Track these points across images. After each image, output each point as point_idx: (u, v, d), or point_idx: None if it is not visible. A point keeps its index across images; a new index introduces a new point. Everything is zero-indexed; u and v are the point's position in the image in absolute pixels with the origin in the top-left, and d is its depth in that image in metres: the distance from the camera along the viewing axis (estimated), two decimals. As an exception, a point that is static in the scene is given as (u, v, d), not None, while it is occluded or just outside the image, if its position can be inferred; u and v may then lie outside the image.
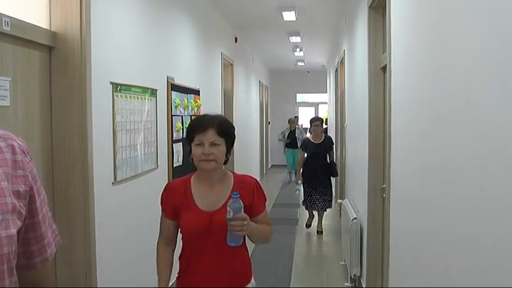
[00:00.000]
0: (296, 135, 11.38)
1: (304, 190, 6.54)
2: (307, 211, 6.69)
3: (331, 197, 6.53)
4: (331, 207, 6.59)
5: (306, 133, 11.61)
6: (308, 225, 6.60)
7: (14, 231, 0.84)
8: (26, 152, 0.94)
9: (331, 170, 6.41)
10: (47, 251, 0.98)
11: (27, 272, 0.96)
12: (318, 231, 6.42)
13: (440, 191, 1.73)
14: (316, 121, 6.43)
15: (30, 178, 0.91)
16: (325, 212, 6.52)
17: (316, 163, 6.33)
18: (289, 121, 11.95)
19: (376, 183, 3.46)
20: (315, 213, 6.54)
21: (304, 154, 6.46)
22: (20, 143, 0.93)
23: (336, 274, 4.72)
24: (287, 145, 11.65)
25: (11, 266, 0.84)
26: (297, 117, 13.56)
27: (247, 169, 9.05)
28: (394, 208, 2.63)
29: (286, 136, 11.71)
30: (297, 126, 11.75)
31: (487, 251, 1.28)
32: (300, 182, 6.59)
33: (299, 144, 8.70)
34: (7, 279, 0.83)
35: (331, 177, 6.54)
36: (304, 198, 6.59)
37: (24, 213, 0.89)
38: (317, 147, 6.34)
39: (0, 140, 0.89)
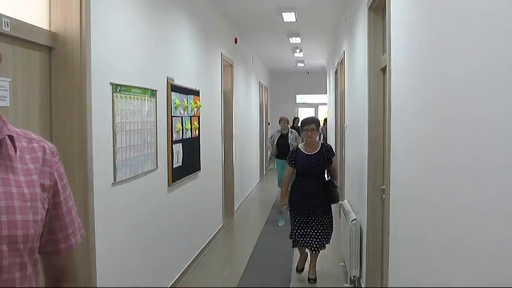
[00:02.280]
0: (289, 141, 8.03)
1: (291, 220, 4.56)
2: (296, 249, 4.85)
3: (331, 229, 4.58)
4: (329, 243, 4.61)
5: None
6: (300, 270, 4.74)
7: (39, 217, 1.02)
8: (55, 153, 1.12)
9: (331, 193, 4.48)
10: (71, 239, 1.14)
11: (54, 257, 1.13)
12: (309, 279, 4.52)
13: (440, 191, 1.73)
14: (309, 123, 4.47)
15: (56, 175, 1.09)
16: (322, 250, 4.57)
17: (308, 183, 4.43)
18: (280, 121, 8.30)
19: (376, 184, 3.46)
20: (308, 251, 4.62)
21: (293, 170, 4.53)
22: (50, 145, 1.12)
23: (335, 275, 4.72)
24: (277, 155, 8.12)
25: (34, 246, 1.02)
26: (297, 118, 13.28)
27: (247, 170, 9.06)
28: (394, 209, 2.63)
29: (275, 142, 8.16)
30: (291, 129, 8.40)
31: (488, 252, 1.28)
32: (284, 208, 4.63)
33: None
34: (31, 256, 1.00)
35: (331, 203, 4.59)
36: (291, 231, 4.60)
37: (47, 204, 1.06)
38: (310, 161, 4.44)
39: (34, 142, 1.09)
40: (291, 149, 7.38)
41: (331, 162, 4.52)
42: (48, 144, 1.11)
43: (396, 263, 2.58)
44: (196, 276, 4.64)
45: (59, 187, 1.10)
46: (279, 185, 8.04)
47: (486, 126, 1.29)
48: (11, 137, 1.02)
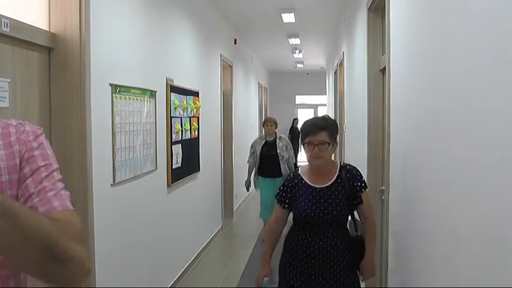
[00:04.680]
0: (278, 150, 5.69)
1: None
2: None
3: None
4: None
5: (299, 146, 6.61)
6: None
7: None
8: (31, 133, 1.01)
9: (359, 261, 2.45)
10: (52, 203, 1.01)
11: None
12: None
13: (439, 192, 1.73)
14: (315, 132, 2.37)
15: (24, 151, 0.98)
16: None
17: (316, 241, 2.39)
18: (265, 123, 5.89)
19: (375, 185, 3.46)
20: None
21: (286, 215, 2.52)
22: (29, 128, 1.01)
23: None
24: (260, 171, 5.84)
25: None
26: (296, 119, 13.19)
27: (246, 170, 9.04)
28: (393, 210, 2.63)
29: (258, 152, 5.79)
30: (279, 134, 5.88)
31: (488, 252, 1.28)
32: (266, 280, 2.52)
33: (283, 169, 5.63)
34: None
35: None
36: None
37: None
38: (319, 201, 2.39)
39: (11, 127, 0.99)
40: (281, 163, 5.61)
41: (361, 202, 2.42)
42: (26, 128, 1.01)
43: (395, 263, 2.58)
44: (196, 277, 4.64)
45: (25, 158, 0.97)
46: (263, 217, 5.75)
47: (486, 127, 1.29)
48: None
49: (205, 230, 5.59)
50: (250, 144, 6.03)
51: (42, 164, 0.99)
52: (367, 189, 2.46)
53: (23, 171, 0.96)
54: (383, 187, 3.17)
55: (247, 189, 6.33)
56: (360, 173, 2.46)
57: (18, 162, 0.95)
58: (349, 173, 2.43)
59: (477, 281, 1.34)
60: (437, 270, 1.73)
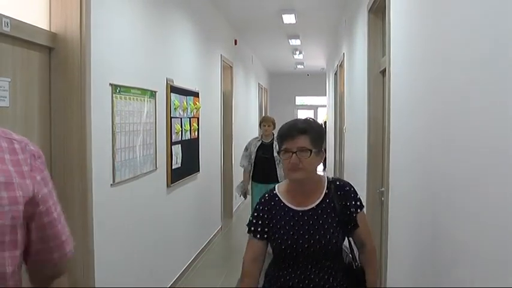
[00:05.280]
0: (274, 153, 5.15)
1: None
2: None
3: None
4: None
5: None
6: None
7: (19, 222, 0.96)
8: (36, 156, 1.05)
9: None
10: (66, 248, 1.08)
11: (46, 267, 1.07)
12: None
13: (439, 194, 1.73)
14: (292, 135, 1.85)
15: (39, 179, 1.02)
16: None
17: (302, 278, 1.85)
18: (262, 122, 5.53)
19: (375, 186, 3.46)
20: None
21: (262, 249, 1.96)
22: (33, 148, 1.06)
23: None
24: (254, 176, 5.37)
25: (17, 255, 0.96)
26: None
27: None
28: (393, 211, 2.63)
29: (253, 155, 5.34)
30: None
31: (487, 254, 1.28)
32: None
33: (279, 174, 5.03)
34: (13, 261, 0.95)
35: None
36: None
37: (31, 208, 0.99)
38: (302, 227, 1.86)
39: (15, 143, 1.01)
40: (277, 167, 5.00)
41: (357, 226, 1.93)
42: (30, 147, 1.04)
43: (395, 265, 2.58)
44: (195, 277, 4.64)
45: (46, 191, 1.02)
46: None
47: (486, 129, 1.29)
48: None
49: (204, 231, 5.58)
50: (245, 146, 5.53)
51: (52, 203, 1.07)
52: (363, 210, 1.93)
53: (39, 207, 1.01)
54: (382, 188, 3.17)
55: (244, 197, 5.56)
56: (354, 190, 1.93)
57: (28, 183, 0.99)
58: (340, 190, 1.90)
59: (476, 282, 1.34)
60: (436, 271, 1.73)
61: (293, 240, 1.84)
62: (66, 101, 2.46)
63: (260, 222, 1.91)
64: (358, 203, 1.91)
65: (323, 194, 1.89)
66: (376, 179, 3.46)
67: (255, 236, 1.93)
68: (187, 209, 4.76)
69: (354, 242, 1.94)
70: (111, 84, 2.88)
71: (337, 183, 1.93)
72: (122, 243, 3.10)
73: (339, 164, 7.06)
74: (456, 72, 1.55)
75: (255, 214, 1.93)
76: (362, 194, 3.73)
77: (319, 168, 1.75)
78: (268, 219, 1.90)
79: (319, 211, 1.86)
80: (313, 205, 1.88)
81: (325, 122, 11.07)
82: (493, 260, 1.23)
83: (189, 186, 4.74)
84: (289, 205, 1.89)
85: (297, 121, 1.94)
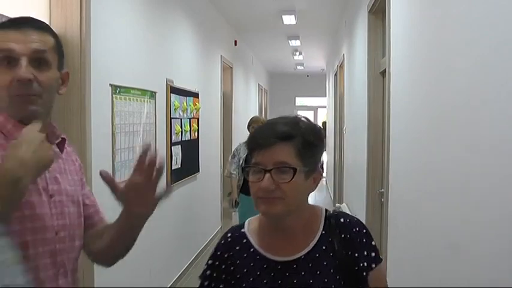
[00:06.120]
0: None
1: None
2: None
3: None
4: None
5: None
6: None
7: (81, 209, 1.42)
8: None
9: None
10: (100, 213, 1.56)
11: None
12: None
13: (438, 195, 1.73)
14: (267, 144, 1.16)
15: (79, 169, 1.48)
16: None
17: None
18: (251, 125, 4.77)
19: (375, 187, 3.46)
20: None
21: None
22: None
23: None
24: (242, 187, 4.65)
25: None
26: None
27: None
28: (393, 213, 2.63)
29: (241, 161, 4.63)
30: None
31: (486, 255, 1.27)
32: None
33: None
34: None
35: None
36: None
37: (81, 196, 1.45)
38: (281, 284, 1.17)
39: (67, 145, 1.37)
40: None
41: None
42: (71, 149, 1.39)
43: (394, 266, 2.58)
44: (195, 277, 4.61)
45: (84, 179, 1.41)
46: None
47: (486, 131, 1.29)
48: (63, 140, 1.26)
49: (204, 231, 5.58)
50: (232, 152, 4.86)
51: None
52: (380, 264, 1.23)
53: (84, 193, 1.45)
54: (382, 189, 3.17)
55: (236, 207, 4.81)
56: (367, 232, 1.28)
57: (80, 178, 1.41)
58: (344, 232, 1.23)
59: (476, 282, 1.34)
60: (437, 272, 1.73)
61: None
62: (66, 101, 2.46)
63: (216, 275, 1.25)
64: (373, 254, 1.22)
65: (317, 236, 1.22)
66: (376, 179, 3.46)
67: None
68: (186, 210, 4.75)
69: None
70: (111, 85, 2.88)
71: (341, 220, 1.25)
72: (121, 244, 3.10)
73: (339, 164, 7.06)
74: (456, 73, 1.55)
75: (210, 262, 1.28)
76: (362, 195, 3.74)
77: (312, 195, 1.18)
78: (229, 272, 1.23)
79: (310, 264, 1.19)
80: (301, 254, 1.20)
81: (324, 123, 10.76)
82: (493, 260, 1.23)
83: (188, 187, 4.73)
84: (263, 252, 1.22)
85: (279, 120, 1.22)
